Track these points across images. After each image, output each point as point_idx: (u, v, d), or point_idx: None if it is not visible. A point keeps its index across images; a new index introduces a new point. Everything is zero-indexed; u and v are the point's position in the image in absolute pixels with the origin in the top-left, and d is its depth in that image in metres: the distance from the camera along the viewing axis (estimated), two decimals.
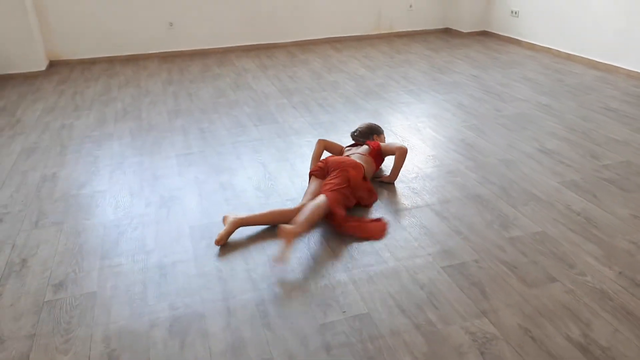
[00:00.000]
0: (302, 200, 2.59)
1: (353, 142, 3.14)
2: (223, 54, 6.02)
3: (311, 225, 2.30)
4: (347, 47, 6.20)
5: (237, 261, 2.24)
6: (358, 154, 2.83)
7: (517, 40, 6.03)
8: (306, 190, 2.66)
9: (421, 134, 3.57)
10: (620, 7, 4.67)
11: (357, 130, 3.12)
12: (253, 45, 6.25)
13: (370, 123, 3.16)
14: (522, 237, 2.34)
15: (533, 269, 2.11)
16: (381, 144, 2.95)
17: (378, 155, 2.90)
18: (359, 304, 1.97)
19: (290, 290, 2.05)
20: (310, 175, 2.71)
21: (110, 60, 5.85)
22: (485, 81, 4.69)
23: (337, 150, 3.00)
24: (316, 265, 2.19)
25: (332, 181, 2.53)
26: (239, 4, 6.01)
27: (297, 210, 2.41)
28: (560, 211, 2.53)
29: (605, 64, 4.91)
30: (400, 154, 2.84)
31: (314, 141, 3.48)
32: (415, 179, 2.93)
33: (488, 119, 3.79)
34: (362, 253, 2.27)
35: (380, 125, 3.35)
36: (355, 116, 3.94)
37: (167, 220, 2.57)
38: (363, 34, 6.59)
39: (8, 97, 4.63)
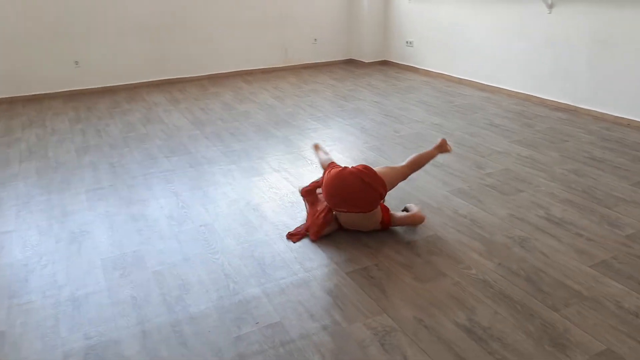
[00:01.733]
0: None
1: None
2: (133, 90, 6.01)
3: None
4: (257, 79, 6.42)
5: (152, 287, 2.30)
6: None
7: (414, 67, 6.55)
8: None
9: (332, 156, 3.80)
10: (498, 37, 5.27)
11: None
12: (163, 80, 6.30)
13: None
14: (417, 240, 2.60)
15: (426, 267, 2.36)
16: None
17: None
18: (271, 314, 2.09)
19: (205, 310, 2.14)
20: None
21: (11, 101, 5.65)
22: (385, 106, 5.07)
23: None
24: (230, 283, 2.30)
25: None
26: (147, 40, 6.06)
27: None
28: (449, 215, 2.83)
29: (490, 85, 5.48)
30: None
31: (227, 168, 3.60)
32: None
33: (387, 139, 4.11)
34: (275, 268, 2.41)
35: (292, 150, 3.51)
36: (267, 143, 4.11)
37: (78, 255, 2.57)
38: (272, 66, 6.85)
39: None
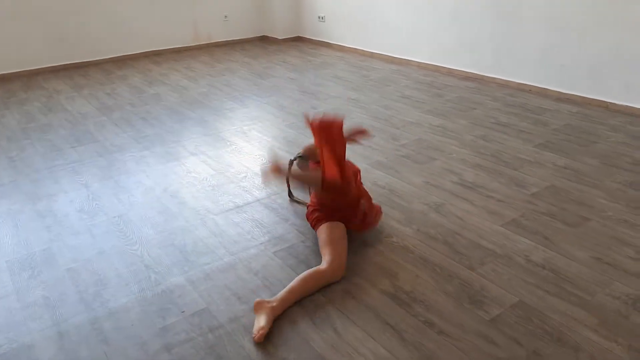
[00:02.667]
0: (326, 255, 2.16)
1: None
2: (29, 77, 5.54)
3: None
4: (167, 60, 6.14)
5: (66, 285, 2.15)
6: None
7: (328, 43, 6.55)
8: (330, 237, 2.22)
9: (247, 136, 3.73)
10: (407, 11, 5.38)
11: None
12: (63, 65, 5.85)
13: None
14: None
15: (351, 239, 2.39)
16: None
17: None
18: (197, 301, 2.04)
19: (126, 303, 2.04)
20: None
21: None
22: (301, 83, 5.04)
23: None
24: (151, 274, 2.21)
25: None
26: (43, 23, 5.58)
27: (335, 267, 2.11)
28: (369, 187, 2.88)
29: (401, 58, 5.61)
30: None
31: (140, 155, 3.43)
32: (245, 178, 3.07)
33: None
34: (198, 254, 2.34)
35: (209, 132, 3.35)
36: (182, 126, 3.96)
37: None
38: (182, 46, 6.58)
39: None
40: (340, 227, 2.26)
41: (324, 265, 2.10)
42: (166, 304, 2.03)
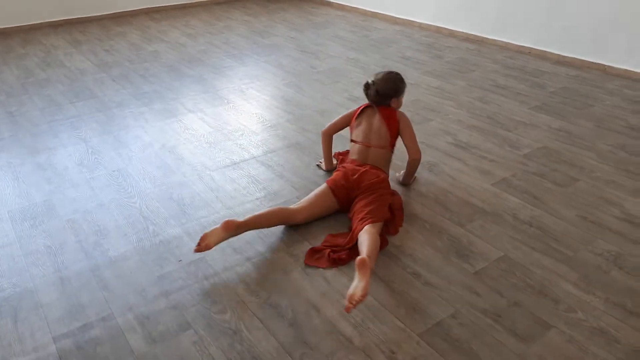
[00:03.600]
0: (301, 202, 2.24)
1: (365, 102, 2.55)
2: (27, 32, 5.49)
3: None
4: (166, 17, 6.07)
5: (67, 235, 2.22)
6: (378, 149, 2.38)
7: (329, 2, 6.45)
8: (315, 194, 2.27)
9: (245, 95, 3.74)
10: None
11: (374, 84, 2.42)
12: (61, 20, 5.79)
13: (391, 75, 2.44)
14: None
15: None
16: (401, 127, 2.42)
17: (395, 140, 2.46)
18: (191, 249, 2.11)
19: (125, 252, 2.11)
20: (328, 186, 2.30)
21: None
22: (301, 42, 5.00)
23: (344, 125, 2.58)
24: (150, 225, 2.28)
25: (367, 210, 2.14)
26: None
27: (301, 211, 2.19)
28: None
29: (403, 19, 5.54)
30: (413, 162, 2.43)
31: (138, 111, 3.46)
32: (242, 136, 3.11)
33: (305, 75, 4.10)
34: (195, 208, 2.40)
35: (207, 90, 3.33)
36: (180, 83, 3.97)
37: None
38: (182, 2, 6.48)
39: None
40: (327, 193, 2.27)
41: (293, 206, 2.21)
42: (164, 254, 2.10)
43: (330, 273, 1.98)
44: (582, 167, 2.69)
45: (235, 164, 2.79)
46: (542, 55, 4.37)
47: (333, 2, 6.39)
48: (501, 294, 1.88)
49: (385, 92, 2.40)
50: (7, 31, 5.51)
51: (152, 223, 2.30)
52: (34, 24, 5.65)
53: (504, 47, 4.64)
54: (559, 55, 4.27)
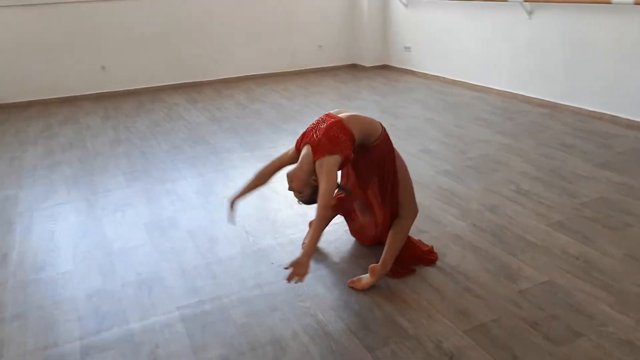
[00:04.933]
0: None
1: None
2: (154, 93, 6.58)
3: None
4: (268, 82, 6.97)
5: (187, 241, 2.82)
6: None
7: (412, 71, 7.08)
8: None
9: None
10: (486, 41, 5.79)
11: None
12: (181, 83, 6.87)
13: None
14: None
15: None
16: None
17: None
18: (283, 258, 2.60)
19: (231, 255, 2.66)
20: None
21: (45, 103, 6.24)
22: (383, 104, 5.59)
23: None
24: (250, 237, 2.82)
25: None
26: (166, 47, 6.65)
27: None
28: (434, 191, 3.34)
29: (481, 85, 5.99)
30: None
31: (245, 156, 4.13)
32: None
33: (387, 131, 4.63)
34: (285, 226, 2.93)
35: None
36: (277, 136, 4.65)
37: (123, 220, 3.10)
38: (281, 70, 7.41)
39: None
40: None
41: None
42: (260, 258, 2.62)
43: (393, 283, 2.38)
44: (638, 215, 2.92)
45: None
46: (613, 120, 4.59)
47: (416, 71, 7.00)
48: (541, 308, 2.17)
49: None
50: (139, 91, 6.64)
51: (252, 236, 2.84)
52: (159, 85, 6.77)
53: (576, 112, 4.91)
54: (629, 120, 4.47)
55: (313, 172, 2.19)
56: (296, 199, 2.34)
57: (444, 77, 6.54)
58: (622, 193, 3.20)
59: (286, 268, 2.09)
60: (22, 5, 5.88)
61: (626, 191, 3.22)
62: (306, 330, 2.09)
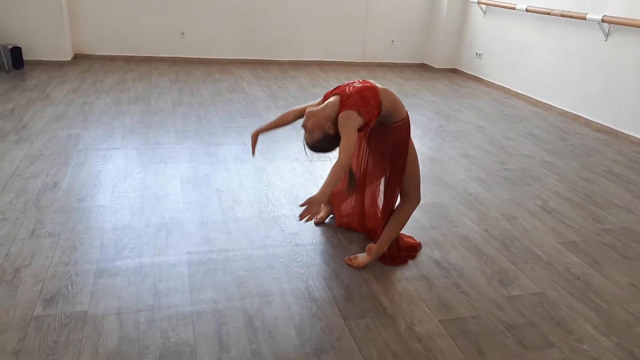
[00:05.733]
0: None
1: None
2: (225, 64, 6.94)
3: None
4: (333, 69, 7.14)
5: (213, 198, 3.07)
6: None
7: (480, 78, 6.99)
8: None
9: None
10: (558, 57, 5.64)
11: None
12: (252, 59, 7.18)
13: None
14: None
15: (415, 219, 2.94)
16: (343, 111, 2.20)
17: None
18: (294, 227, 2.78)
19: (248, 216, 2.87)
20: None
21: (127, 59, 6.75)
22: (439, 105, 5.60)
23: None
24: (270, 205, 3.02)
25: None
26: (242, 23, 6.97)
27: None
28: (460, 194, 3.38)
29: (543, 102, 5.85)
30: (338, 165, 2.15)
31: (290, 133, 4.34)
32: None
33: (430, 131, 4.68)
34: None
35: None
36: None
37: (164, 171, 3.40)
38: (349, 60, 7.55)
39: (39, 77, 5.50)
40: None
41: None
42: (273, 224, 2.82)
43: (387, 268, 2.50)
44: None
45: None
46: None
47: (483, 79, 6.91)
48: (523, 315, 2.21)
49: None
50: (210, 61, 7.02)
51: (272, 204, 3.04)
52: (231, 59, 7.11)
53: (636, 142, 4.71)
54: None
55: (332, 119, 2.20)
56: (302, 142, 2.38)
57: (509, 89, 6.43)
58: None
59: (301, 205, 2.09)
60: None
61: None
62: (294, 291, 2.26)
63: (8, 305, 2.05)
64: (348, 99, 2.20)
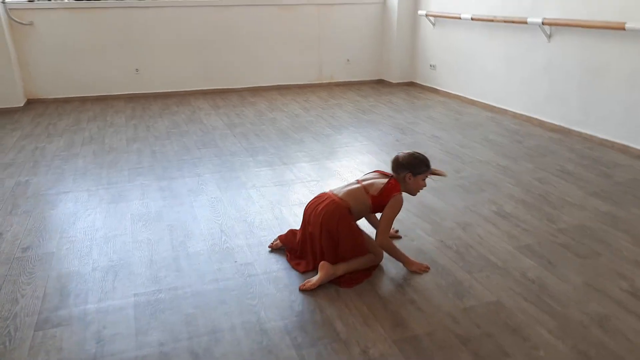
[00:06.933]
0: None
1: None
2: (183, 97, 6.90)
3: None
4: (292, 93, 7.16)
5: (164, 234, 3.00)
6: (352, 188, 2.60)
7: (436, 89, 7.09)
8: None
9: (334, 156, 4.43)
10: (506, 62, 5.76)
11: (396, 157, 2.65)
12: (210, 89, 7.17)
13: (418, 154, 2.64)
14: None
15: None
16: (394, 195, 2.53)
17: (382, 201, 2.54)
18: (248, 256, 2.73)
19: (199, 250, 2.80)
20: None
21: (82, 100, 6.66)
22: (396, 119, 5.65)
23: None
24: (223, 236, 2.96)
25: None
26: (198, 54, 6.96)
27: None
28: (414, 205, 3.38)
29: (498, 107, 5.95)
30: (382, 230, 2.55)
31: (245, 160, 4.30)
32: (316, 184, 3.75)
33: (387, 146, 4.69)
34: (261, 229, 3.05)
35: (302, 150, 4.02)
36: (284, 143, 4.79)
37: (114, 211, 3.32)
38: (307, 82, 7.59)
39: None
40: None
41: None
42: (226, 255, 2.76)
43: (342, 290, 2.46)
44: (611, 244, 2.86)
45: (303, 204, 3.41)
46: (624, 149, 4.47)
47: (439, 90, 7.01)
48: (478, 326, 2.19)
49: (403, 161, 2.61)
50: (169, 94, 6.97)
51: (225, 235, 2.99)
52: (189, 90, 7.08)
53: (587, 139, 4.80)
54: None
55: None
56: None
57: (464, 97, 6.53)
58: (604, 222, 3.13)
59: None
60: (68, 8, 6.33)
61: (609, 221, 3.15)
62: (244, 325, 2.20)
63: None
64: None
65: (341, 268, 2.50)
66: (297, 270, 2.62)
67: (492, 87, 6.04)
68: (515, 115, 5.69)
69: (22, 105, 6.20)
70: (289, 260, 2.70)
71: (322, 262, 2.49)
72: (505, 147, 4.64)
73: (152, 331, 2.15)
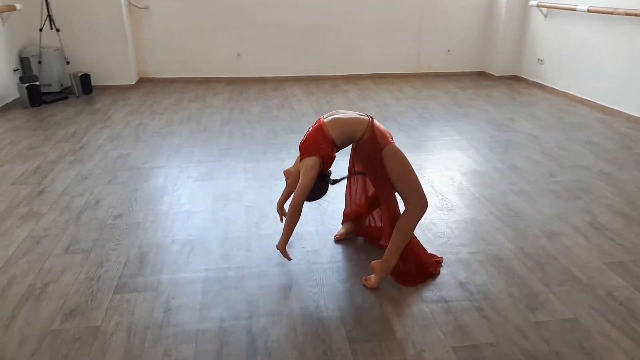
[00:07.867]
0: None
1: None
2: (279, 82, 7.06)
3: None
4: (386, 82, 7.05)
5: (241, 214, 3.10)
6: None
7: (542, 85, 6.60)
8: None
9: (424, 148, 4.31)
10: (625, 60, 5.21)
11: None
12: (305, 76, 7.27)
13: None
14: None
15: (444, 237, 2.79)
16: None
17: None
18: (316, 244, 2.75)
19: (272, 233, 2.87)
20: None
21: (187, 81, 7.07)
22: (492, 115, 5.35)
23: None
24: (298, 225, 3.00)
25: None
26: (297, 41, 7.08)
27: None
28: (498, 201, 3.19)
29: (609, 108, 5.41)
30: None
31: None
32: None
33: (479, 142, 4.47)
34: (333, 217, 3.05)
35: None
36: None
37: (200, 188, 3.50)
38: (403, 72, 7.43)
39: (104, 101, 5.89)
40: None
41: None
42: (295, 241, 2.80)
43: (405, 289, 2.39)
44: None
45: None
46: None
47: (546, 86, 6.53)
48: (548, 343, 2.03)
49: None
50: (266, 79, 7.18)
51: (300, 222, 3.02)
52: (286, 76, 7.23)
53: None
54: None
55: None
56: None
57: (573, 95, 6.02)
58: None
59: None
60: None
61: None
62: (302, 311, 2.22)
63: (30, 319, 2.18)
64: (302, 148, 2.46)
65: (391, 255, 2.38)
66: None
67: (606, 85, 5.50)
68: (629, 118, 5.15)
69: (133, 83, 6.72)
70: (362, 234, 2.84)
71: (372, 263, 2.44)
72: (611, 152, 4.22)
73: (216, 307, 2.25)
